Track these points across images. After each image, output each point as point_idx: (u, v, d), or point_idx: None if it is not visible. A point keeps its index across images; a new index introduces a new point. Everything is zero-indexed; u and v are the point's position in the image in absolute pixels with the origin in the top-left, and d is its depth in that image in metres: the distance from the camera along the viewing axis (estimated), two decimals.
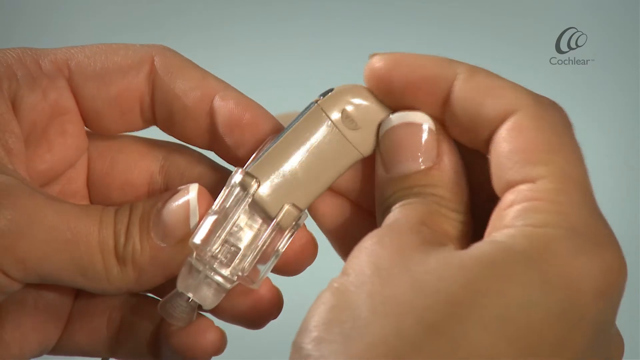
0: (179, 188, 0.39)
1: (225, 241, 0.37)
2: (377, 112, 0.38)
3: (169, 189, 0.40)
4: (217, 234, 0.37)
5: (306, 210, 0.38)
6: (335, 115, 0.38)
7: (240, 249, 0.38)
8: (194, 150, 0.42)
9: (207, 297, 0.38)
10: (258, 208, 0.37)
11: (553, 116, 0.34)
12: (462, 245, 0.33)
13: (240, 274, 0.37)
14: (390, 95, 0.37)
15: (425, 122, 0.36)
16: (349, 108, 0.38)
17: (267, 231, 0.38)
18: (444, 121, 0.37)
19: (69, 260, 0.37)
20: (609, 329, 0.32)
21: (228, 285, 0.38)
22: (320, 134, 0.38)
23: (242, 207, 0.37)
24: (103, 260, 0.37)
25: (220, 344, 0.40)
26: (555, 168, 0.32)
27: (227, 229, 0.37)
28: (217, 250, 0.37)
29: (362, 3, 1.07)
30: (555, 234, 0.31)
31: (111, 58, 0.40)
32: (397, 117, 0.37)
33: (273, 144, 0.38)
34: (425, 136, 0.36)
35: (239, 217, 0.37)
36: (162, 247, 0.38)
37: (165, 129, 0.41)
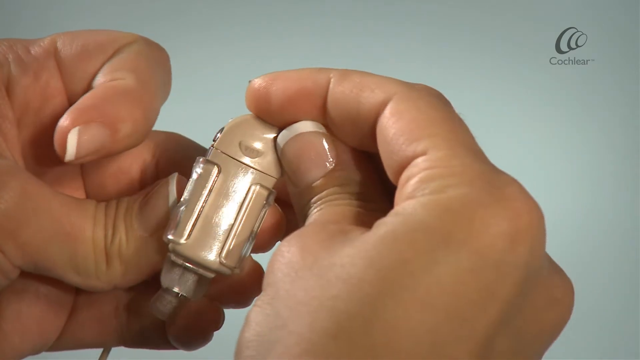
0: (161, 180, 0.39)
1: (200, 229, 0.38)
2: (269, 133, 0.38)
3: (162, 178, 0.40)
4: (189, 224, 0.37)
5: (274, 190, 0.39)
6: (235, 151, 0.38)
7: (216, 236, 0.38)
8: (187, 139, 0.42)
9: (191, 289, 0.38)
10: (225, 193, 0.38)
11: (428, 95, 0.35)
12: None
13: (220, 260, 0.38)
14: (273, 113, 0.38)
15: (312, 129, 0.37)
16: (244, 139, 0.38)
17: (241, 214, 0.38)
18: (327, 127, 0.37)
19: (65, 254, 0.37)
20: (539, 270, 0.32)
21: (210, 275, 0.38)
22: (231, 174, 0.38)
23: (206, 193, 0.37)
24: (95, 257, 0.37)
25: (219, 321, 0.41)
26: (441, 138, 0.32)
27: (197, 217, 0.37)
28: (193, 241, 0.37)
29: (362, 3, 1.07)
30: (453, 195, 0.31)
31: (94, 37, 0.40)
32: (285, 134, 0.38)
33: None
34: (317, 142, 0.37)
35: (207, 203, 0.38)
36: (146, 239, 0.38)
37: None
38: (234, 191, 0.38)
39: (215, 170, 0.38)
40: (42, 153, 0.40)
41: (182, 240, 0.37)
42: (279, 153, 0.38)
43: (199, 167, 0.38)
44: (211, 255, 0.38)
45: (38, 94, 0.40)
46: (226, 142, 0.38)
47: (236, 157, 0.38)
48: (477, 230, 0.30)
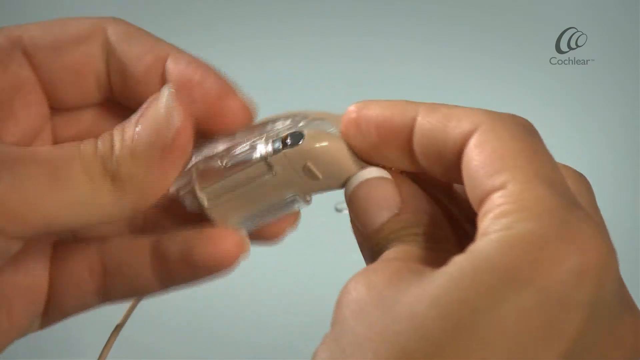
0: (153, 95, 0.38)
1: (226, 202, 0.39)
2: (339, 175, 0.39)
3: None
4: (219, 194, 0.39)
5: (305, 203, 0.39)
6: (299, 167, 0.38)
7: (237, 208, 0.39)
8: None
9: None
10: (263, 188, 0.39)
11: (512, 125, 0.34)
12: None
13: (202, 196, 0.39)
14: (360, 138, 0.38)
15: (378, 174, 0.38)
16: (314, 164, 0.38)
17: (264, 205, 0.39)
18: (413, 158, 0.37)
19: (60, 200, 0.36)
20: (607, 308, 0.31)
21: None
22: (279, 181, 0.39)
23: (248, 182, 0.38)
24: (92, 183, 0.36)
25: (239, 249, 0.40)
26: (519, 171, 0.32)
27: (228, 192, 0.39)
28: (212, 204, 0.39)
29: (362, 3, 1.07)
30: (520, 231, 0.30)
31: (64, 29, 0.40)
32: (353, 181, 0.38)
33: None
34: (383, 186, 0.38)
35: (244, 188, 0.39)
36: (146, 143, 0.37)
37: (122, 99, 0.41)
38: (272, 190, 0.39)
39: (269, 174, 0.38)
40: (17, 141, 0.40)
41: (205, 203, 0.39)
42: (347, 200, 0.39)
43: (255, 162, 0.38)
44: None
45: (7, 84, 0.39)
46: (298, 156, 0.38)
47: (296, 174, 0.38)
48: (542, 267, 0.30)
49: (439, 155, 0.36)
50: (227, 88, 0.40)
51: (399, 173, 0.38)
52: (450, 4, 1.06)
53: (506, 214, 0.31)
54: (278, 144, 0.38)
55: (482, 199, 0.33)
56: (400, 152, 0.37)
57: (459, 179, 0.35)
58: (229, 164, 0.38)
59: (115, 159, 0.36)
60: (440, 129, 0.35)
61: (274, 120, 0.40)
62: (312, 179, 0.38)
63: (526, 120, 0.35)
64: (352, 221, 0.39)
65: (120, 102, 0.42)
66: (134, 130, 0.37)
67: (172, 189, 0.39)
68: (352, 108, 0.38)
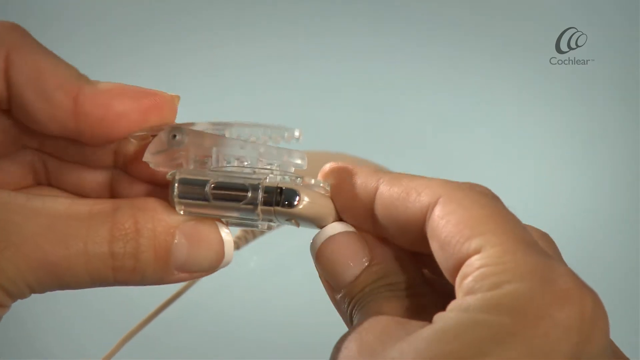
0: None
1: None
2: (320, 223, 0.39)
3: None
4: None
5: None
6: (281, 218, 0.39)
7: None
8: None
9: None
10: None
11: (473, 194, 0.35)
12: (430, 315, 0.34)
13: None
14: (335, 197, 0.39)
15: (342, 229, 0.38)
16: (296, 219, 0.39)
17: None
18: (376, 224, 0.38)
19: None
20: (596, 357, 0.31)
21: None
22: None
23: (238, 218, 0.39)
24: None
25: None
26: (491, 234, 0.33)
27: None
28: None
29: (362, 3, 1.07)
30: (506, 291, 0.31)
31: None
32: (317, 239, 0.39)
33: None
34: (349, 241, 0.38)
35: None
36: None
37: (21, 118, 0.39)
38: (247, 218, 0.39)
39: (253, 214, 0.38)
40: None
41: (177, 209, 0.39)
42: (314, 259, 0.39)
43: (242, 206, 0.38)
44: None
45: None
46: (287, 214, 0.38)
47: (278, 218, 0.39)
48: (528, 321, 0.30)
49: (400, 225, 0.36)
50: (145, 97, 0.39)
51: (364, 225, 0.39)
52: (450, 4, 1.06)
53: (489, 276, 0.32)
54: (269, 195, 0.38)
55: (457, 266, 0.33)
56: (363, 218, 0.38)
57: (423, 248, 0.36)
58: (215, 194, 0.38)
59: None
60: (400, 204, 0.36)
61: (264, 148, 0.40)
62: (291, 224, 0.39)
63: (485, 187, 0.36)
64: (321, 277, 0.39)
65: (18, 119, 0.39)
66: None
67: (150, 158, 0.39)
68: (326, 167, 0.39)
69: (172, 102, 0.39)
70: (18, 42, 0.38)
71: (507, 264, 0.32)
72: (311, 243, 0.39)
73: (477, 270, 0.32)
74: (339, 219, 0.39)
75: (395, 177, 0.37)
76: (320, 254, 0.38)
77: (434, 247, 0.35)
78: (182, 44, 1.01)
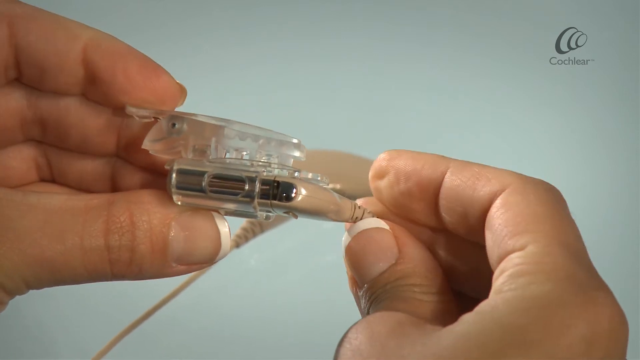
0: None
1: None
2: (318, 215, 0.39)
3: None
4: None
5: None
6: (279, 211, 0.39)
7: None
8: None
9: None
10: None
11: (540, 190, 0.35)
12: (445, 323, 0.33)
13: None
14: (389, 186, 0.39)
15: (375, 225, 0.38)
16: (293, 212, 0.38)
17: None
18: (437, 212, 0.38)
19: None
20: None
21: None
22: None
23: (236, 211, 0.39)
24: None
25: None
26: (542, 234, 0.32)
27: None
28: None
29: (362, 3, 1.07)
30: (535, 293, 0.30)
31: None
32: (350, 232, 0.39)
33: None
34: (380, 237, 0.38)
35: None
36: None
37: (35, 84, 0.40)
38: (243, 210, 0.39)
39: (249, 206, 0.38)
40: None
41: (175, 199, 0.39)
42: (344, 251, 0.39)
43: (240, 199, 0.38)
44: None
45: None
46: (284, 207, 0.38)
47: (275, 211, 0.38)
48: (553, 330, 0.29)
49: (463, 212, 0.36)
50: (152, 66, 0.40)
51: (396, 224, 0.39)
52: (450, 4, 1.06)
53: (523, 274, 0.31)
54: (266, 189, 0.38)
55: (501, 258, 0.33)
56: (425, 205, 0.38)
57: (480, 238, 0.35)
58: (212, 188, 0.38)
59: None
60: (469, 187, 0.36)
61: (263, 141, 0.40)
62: (289, 216, 0.38)
63: (554, 187, 0.36)
64: (348, 273, 0.39)
65: (31, 85, 0.40)
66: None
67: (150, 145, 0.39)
68: (382, 156, 0.39)
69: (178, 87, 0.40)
70: (18, 9, 0.38)
71: (544, 266, 0.31)
72: (344, 238, 0.39)
73: (514, 267, 0.32)
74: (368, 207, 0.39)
75: (465, 163, 0.37)
76: (349, 248, 0.38)
77: (488, 235, 0.34)
78: (182, 44, 1.01)
